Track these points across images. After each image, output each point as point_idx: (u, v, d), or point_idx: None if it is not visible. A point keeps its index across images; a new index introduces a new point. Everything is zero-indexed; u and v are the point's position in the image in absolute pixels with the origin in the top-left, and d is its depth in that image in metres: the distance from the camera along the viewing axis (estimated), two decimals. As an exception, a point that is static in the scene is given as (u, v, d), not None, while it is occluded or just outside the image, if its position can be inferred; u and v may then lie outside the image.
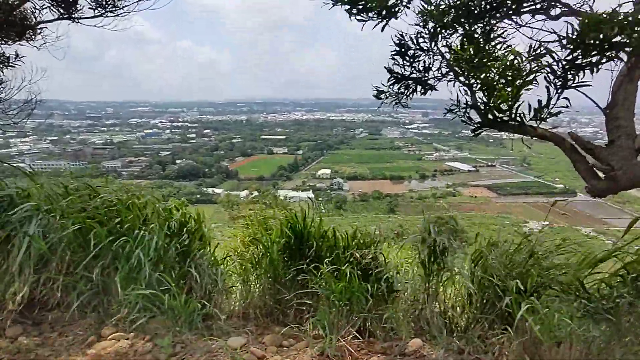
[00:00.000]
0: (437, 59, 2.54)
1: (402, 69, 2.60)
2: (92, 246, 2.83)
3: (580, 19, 2.00)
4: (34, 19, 4.40)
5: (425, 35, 2.48)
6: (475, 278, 2.90)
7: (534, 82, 2.21)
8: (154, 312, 2.70)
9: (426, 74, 2.61)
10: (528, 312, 2.31)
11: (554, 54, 2.16)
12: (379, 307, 2.89)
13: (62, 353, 2.45)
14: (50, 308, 2.87)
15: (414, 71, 2.61)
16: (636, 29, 1.85)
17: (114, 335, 2.64)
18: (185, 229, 3.27)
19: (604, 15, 1.90)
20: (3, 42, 4.37)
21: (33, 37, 4.48)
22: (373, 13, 2.42)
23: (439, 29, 2.40)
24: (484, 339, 2.67)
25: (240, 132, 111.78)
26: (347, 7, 2.41)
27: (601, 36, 1.94)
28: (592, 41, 1.97)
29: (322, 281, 2.88)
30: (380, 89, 2.67)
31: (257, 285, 3.32)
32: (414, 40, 2.51)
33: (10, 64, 4.49)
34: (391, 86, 2.66)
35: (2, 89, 4.53)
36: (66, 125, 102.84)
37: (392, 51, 2.56)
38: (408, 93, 2.69)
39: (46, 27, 4.47)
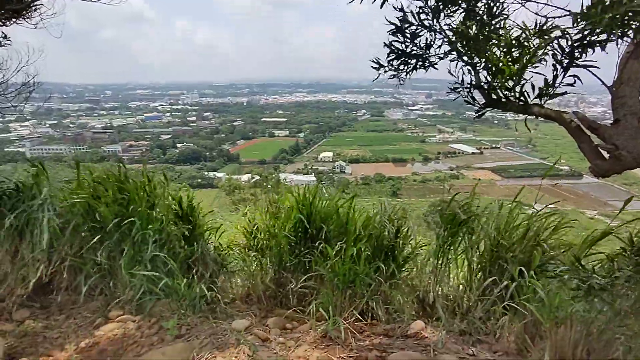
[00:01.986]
0: (439, 37, 2.46)
1: (403, 46, 2.52)
2: (99, 229, 2.87)
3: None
4: None
5: (427, 11, 2.38)
6: (479, 260, 2.91)
7: (543, 60, 2.17)
8: (159, 295, 2.73)
9: (427, 51, 2.53)
10: (529, 293, 2.32)
11: (564, 31, 2.08)
12: (383, 289, 2.91)
13: (70, 335, 2.49)
14: (57, 291, 2.91)
15: (415, 48, 2.53)
16: None
17: (121, 317, 2.68)
18: (190, 214, 3.27)
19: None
20: (1, 23, 4.21)
21: (29, 14, 4.30)
22: None
23: (441, 5, 2.32)
24: (486, 321, 2.69)
25: (241, 114, 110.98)
26: None
27: (611, 13, 1.85)
28: (601, 18, 1.87)
29: (325, 264, 2.89)
30: (380, 62, 2.59)
31: (261, 270, 3.33)
32: (416, 16, 2.42)
33: (1, 44, 4.35)
34: (391, 62, 2.58)
35: None
36: (65, 109, 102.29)
37: (389, 30, 2.47)
38: (408, 70, 2.61)
39: (42, 4, 4.28)
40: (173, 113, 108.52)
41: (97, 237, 2.88)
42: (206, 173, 62.43)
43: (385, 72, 2.61)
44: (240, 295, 3.30)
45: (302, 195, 3.20)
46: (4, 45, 4.33)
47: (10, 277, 2.81)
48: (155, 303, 2.73)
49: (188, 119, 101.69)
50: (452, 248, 3.03)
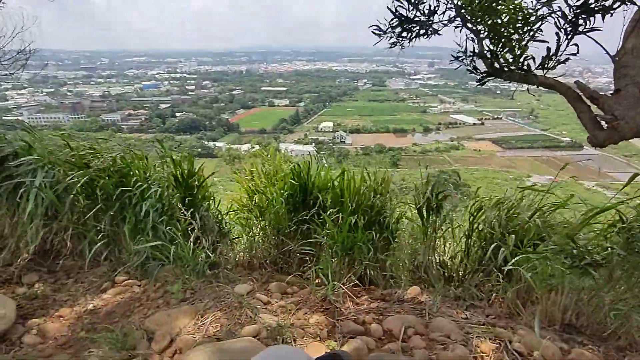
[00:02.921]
0: (443, 2, 2.39)
1: (407, 12, 2.46)
2: (100, 198, 2.89)
3: None
4: None
5: None
6: (474, 231, 2.95)
7: (541, 30, 2.14)
8: (163, 261, 2.81)
9: (431, 18, 2.47)
10: (523, 262, 2.36)
11: None
12: (381, 256, 2.98)
13: (79, 298, 2.59)
14: (64, 257, 2.98)
15: (419, 14, 2.46)
16: None
17: (127, 282, 2.77)
18: (190, 181, 3.30)
19: None
20: None
21: None
22: None
23: None
24: (480, 288, 2.78)
25: (240, 83, 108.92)
26: None
27: None
28: None
29: (325, 231, 2.95)
30: (382, 28, 2.53)
31: (262, 236, 3.40)
32: None
33: None
34: (394, 27, 2.52)
35: None
36: (61, 77, 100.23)
37: None
38: (411, 36, 2.55)
39: None
40: (171, 82, 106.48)
41: (98, 206, 2.91)
42: (206, 142, 62.15)
43: (387, 38, 2.55)
44: (242, 261, 3.38)
45: (298, 166, 3.25)
46: None
47: (11, 241, 2.85)
48: (159, 269, 2.80)
49: (187, 87, 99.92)
50: (443, 218, 3.05)
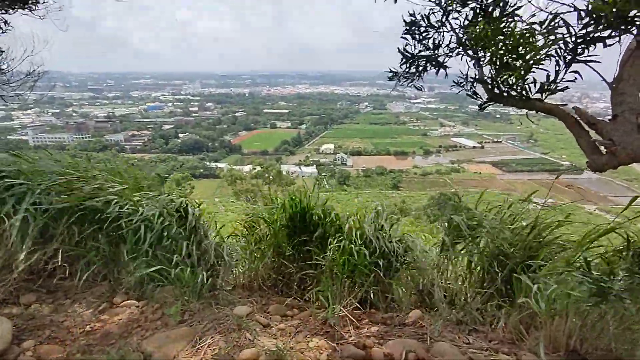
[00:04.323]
0: (447, 35, 2.54)
1: (413, 48, 2.60)
2: (95, 220, 2.89)
3: None
4: None
5: (436, 10, 2.47)
6: (477, 253, 2.93)
7: (548, 57, 2.20)
8: (162, 282, 2.78)
9: (436, 51, 2.59)
10: (526, 285, 2.34)
11: (569, 28, 2.12)
12: (382, 279, 2.94)
13: (76, 319, 2.55)
14: (62, 277, 2.95)
15: (424, 49, 2.60)
16: None
17: (125, 302, 2.74)
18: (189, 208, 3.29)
19: None
20: (4, 11, 4.33)
21: (35, 6, 4.44)
22: None
23: (450, 2, 2.37)
24: (483, 312, 2.74)
25: (243, 105, 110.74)
26: None
27: (614, 10, 1.89)
28: (605, 14, 1.93)
29: (325, 254, 2.93)
30: (394, 71, 2.68)
31: (262, 259, 3.37)
32: (425, 18, 2.51)
33: (2, 31, 4.45)
34: (403, 66, 2.66)
35: (2, 59, 4.51)
36: (68, 98, 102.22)
37: (403, 32, 2.57)
38: (419, 72, 2.69)
39: None
40: (175, 103, 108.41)
41: (94, 227, 2.91)
42: (208, 163, 62.59)
43: (399, 80, 2.74)
44: (241, 283, 3.35)
45: (295, 195, 3.29)
46: (5, 32, 4.42)
47: (5, 262, 2.81)
48: (158, 290, 2.78)
49: (190, 109, 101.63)
50: (452, 247, 3.06)
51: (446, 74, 2.63)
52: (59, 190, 3.01)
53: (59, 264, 2.86)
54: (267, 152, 73.42)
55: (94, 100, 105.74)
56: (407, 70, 2.68)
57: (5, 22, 4.40)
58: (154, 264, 2.76)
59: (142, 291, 2.82)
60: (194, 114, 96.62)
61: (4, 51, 4.49)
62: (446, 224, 3.09)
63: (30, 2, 4.39)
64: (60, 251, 2.88)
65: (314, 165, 60.95)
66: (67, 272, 2.93)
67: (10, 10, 4.36)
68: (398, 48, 2.61)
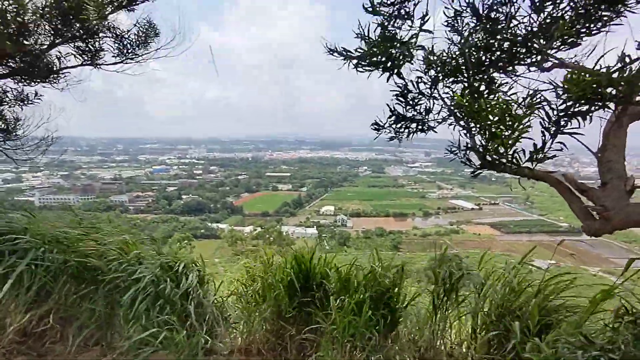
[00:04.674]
0: (437, 103, 2.66)
1: (404, 110, 2.69)
2: (92, 281, 2.89)
3: (569, 72, 2.09)
4: (58, 65, 4.66)
5: (426, 82, 2.61)
6: (481, 316, 2.86)
7: (530, 128, 2.30)
8: (157, 346, 2.68)
9: (427, 116, 2.70)
10: (532, 352, 2.23)
11: (549, 103, 2.25)
12: (384, 343, 2.87)
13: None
14: (54, 340, 2.86)
15: (415, 113, 2.69)
16: (621, 83, 1.96)
17: (117, 369, 2.57)
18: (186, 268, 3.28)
19: (589, 77, 2.00)
20: (26, 83, 4.61)
21: (56, 80, 4.73)
22: (379, 67, 2.57)
23: (440, 77, 2.55)
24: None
25: (246, 169, 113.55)
26: (355, 61, 2.57)
27: (589, 88, 2.01)
28: (580, 94, 2.04)
29: (326, 317, 2.88)
30: (380, 124, 2.74)
31: (260, 321, 3.27)
32: (415, 86, 2.64)
33: (30, 101, 4.73)
34: (392, 124, 2.73)
35: (20, 125, 4.74)
36: (77, 161, 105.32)
37: (394, 95, 2.68)
38: (409, 132, 2.76)
39: (69, 72, 4.75)
40: (180, 166, 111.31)
41: (90, 288, 2.88)
42: (209, 224, 62.70)
43: (385, 133, 2.77)
44: (239, 346, 3.23)
45: (299, 256, 3.28)
46: (32, 103, 4.70)
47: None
48: (152, 354, 2.67)
49: (195, 172, 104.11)
50: (450, 304, 3.00)
51: (450, 131, 2.58)
52: (61, 249, 3.04)
53: (56, 326, 2.79)
54: (268, 213, 73.93)
55: (102, 163, 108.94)
56: (394, 127, 2.74)
57: (36, 93, 4.70)
58: (149, 327, 2.67)
59: (136, 355, 2.68)
60: (198, 177, 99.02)
61: (20, 119, 4.72)
62: (447, 286, 3.02)
63: (52, 75, 4.64)
64: (54, 312, 2.83)
65: (315, 227, 61.31)
66: (59, 335, 2.85)
67: (33, 83, 4.61)
68: (387, 104, 2.66)
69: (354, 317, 2.74)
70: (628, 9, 2.17)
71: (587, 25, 2.25)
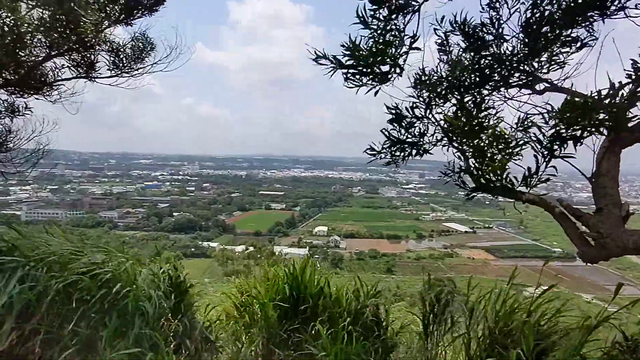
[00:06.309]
0: (431, 125, 2.67)
1: (398, 134, 2.69)
2: (78, 300, 2.79)
3: (563, 99, 2.14)
4: (53, 77, 4.59)
5: (420, 104, 2.63)
6: (475, 342, 2.83)
7: (520, 153, 2.35)
8: None
9: (421, 139, 2.71)
10: None
11: (540, 127, 2.29)
12: None
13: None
14: None
15: (410, 136, 2.70)
16: (613, 110, 2.00)
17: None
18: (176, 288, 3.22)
19: (582, 101, 2.05)
20: (19, 95, 4.51)
21: (49, 92, 4.63)
22: (368, 78, 2.58)
23: (433, 98, 2.57)
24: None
25: (239, 187, 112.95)
26: (344, 70, 2.56)
27: (581, 113, 2.06)
28: (573, 118, 2.08)
29: (317, 342, 2.82)
30: (376, 149, 2.74)
31: (250, 344, 3.19)
32: (409, 110, 2.66)
33: (20, 113, 4.60)
34: (387, 148, 2.73)
35: (11, 138, 4.60)
36: (68, 175, 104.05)
37: (388, 119, 2.70)
38: (404, 156, 2.76)
39: (63, 84, 4.65)
40: (173, 183, 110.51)
41: (79, 309, 2.76)
42: (200, 242, 61.64)
43: (380, 158, 2.77)
44: None
45: (291, 274, 3.27)
46: (23, 115, 4.57)
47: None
48: None
49: (187, 189, 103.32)
50: (442, 328, 2.97)
51: (444, 153, 2.63)
52: (49, 267, 2.93)
53: (37, 348, 2.68)
54: (261, 232, 72.97)
55: (93, 178, 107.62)
56: (392, 153, 2.75)
57: (26, 106, 4.59)
58: (131, 348, 2.60)
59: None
60: (190, 194, 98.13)
61: (12, 132, 4.60)
62: (437, 310, 3.02)
63: (45, 88, 4.56)
64: (38, 334, 2.70)
65: (307, 247, 60.43)
66: (41, 359, 2.72)
67: (26, 95, 4.53)
68: (382, 130, 2.67)
69: (345, 345, 2.68)
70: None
71: (568, 43, 2.31)
